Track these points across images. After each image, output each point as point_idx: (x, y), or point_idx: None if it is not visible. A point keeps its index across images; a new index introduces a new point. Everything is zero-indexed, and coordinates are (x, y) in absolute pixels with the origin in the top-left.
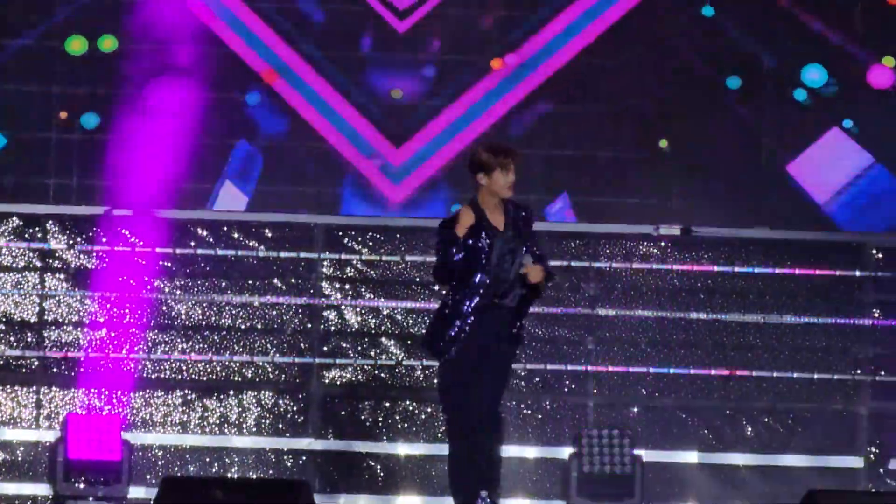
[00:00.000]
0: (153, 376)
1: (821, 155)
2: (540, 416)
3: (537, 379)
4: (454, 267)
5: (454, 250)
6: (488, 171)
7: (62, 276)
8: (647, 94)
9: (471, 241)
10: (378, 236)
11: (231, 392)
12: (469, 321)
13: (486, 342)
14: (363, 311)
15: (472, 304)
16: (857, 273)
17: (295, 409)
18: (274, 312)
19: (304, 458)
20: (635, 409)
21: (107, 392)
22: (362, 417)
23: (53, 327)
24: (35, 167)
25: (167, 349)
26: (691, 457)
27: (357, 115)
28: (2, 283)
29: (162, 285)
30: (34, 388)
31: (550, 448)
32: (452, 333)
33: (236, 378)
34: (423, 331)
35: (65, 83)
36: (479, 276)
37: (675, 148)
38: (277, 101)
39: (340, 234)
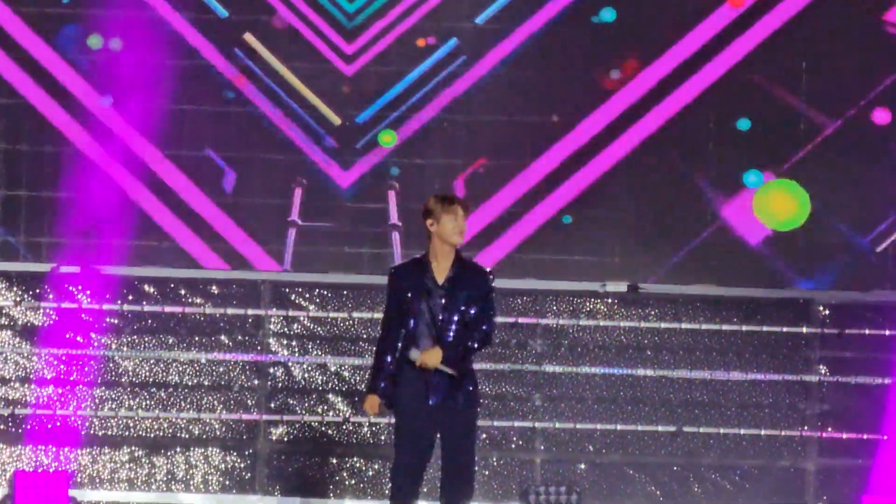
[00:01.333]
0: (100, 433)
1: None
2: (487, 473)
3: (485, 435)
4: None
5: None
6: (437, 217)
7: (9, 333)
8: None
9: (410, 295)
10: (325, 293)
11: (178, 449)
12: (417, 376)
13: (438, 399)
14: (310, 368)
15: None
16: (804, 329)
17: (242, 465)
18: (221, 369)
19: None
20: (583, 466)
21: (54, 449)
22: (310, 474)
23: (0, 384)
24: None
25: (114, 406)
26: None
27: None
28: None
29: (109, 342)
30: None
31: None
32: (405, 389)
33: (183, 435)
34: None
35: (10, 140)
36: (419, 329)
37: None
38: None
39: (287, 290)
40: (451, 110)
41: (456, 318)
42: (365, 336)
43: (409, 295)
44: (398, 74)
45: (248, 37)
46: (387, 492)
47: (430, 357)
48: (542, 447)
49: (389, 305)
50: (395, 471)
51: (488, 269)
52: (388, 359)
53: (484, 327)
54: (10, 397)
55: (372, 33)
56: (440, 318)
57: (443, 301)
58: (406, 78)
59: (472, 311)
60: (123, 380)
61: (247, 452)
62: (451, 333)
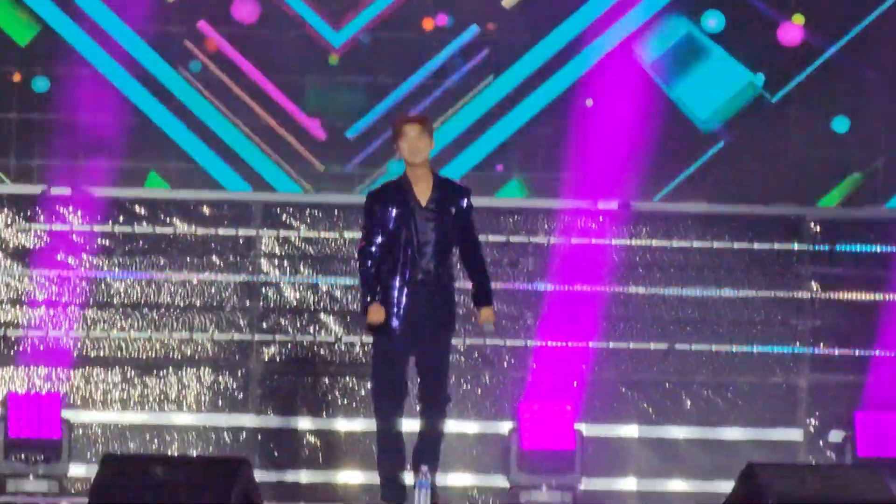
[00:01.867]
0: (92, 354)
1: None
2: (479, 392)
3: (476, 354)
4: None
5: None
6: (395, 139)
7: (0, 255)
8: None
9: (393, 216)
10: (316, 213)
11: (170, 369)
12: (399, 295)
13: (416, 318)
14: (302, 288)
15: (400, 279)
16: (795, 246)
17: (234, 385)
18: (213, 289)
19: (244, 434)
20: (575, 384)
21: (46, 370)
22: (302, 393)
23: None
24: None
25: (106, 327)
26: (631, 431)
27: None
28: None
29: (100, 263)
30: None
31: (490, 423)
32: (392, 310)
33: (176, 355)
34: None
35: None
36: (400, 250)
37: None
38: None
39: (279, 210)
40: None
41: (438, 238)
42: (356, 256)
43: (393, 216)
44: None
45: None
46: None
47: (491, 317)
48: (535, 365)
49: (371, 230)
50: (375, 389)
51: (466, 186)
52: (375, 275)
53: (477, 249)
54: (2, 319)
55: None
56: (423, 239)
57: (428, 223)
58: None
59: (455, 232)
60: (115, 301)
61: (239, 372)
62: (430, 255)
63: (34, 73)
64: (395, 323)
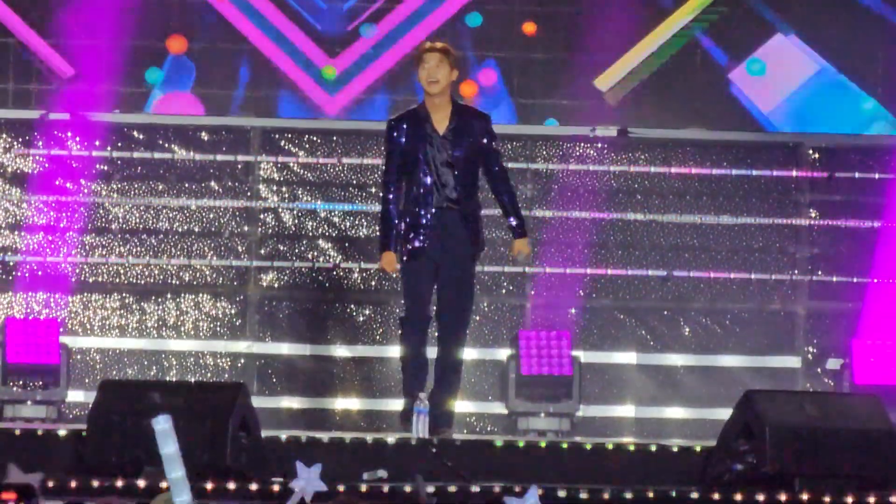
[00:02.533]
0: (91, 280)
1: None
2: (478, 318)
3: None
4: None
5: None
6: (415, 66)
7: None
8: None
9: (411, 145)
10: (315, 139)
11: (169, 295)
12: (423, 223)
13: (441, 245)
14: (300, 214)
15: (423, 207)
16: (794, 173)
17: (233, 311)
18: (211, 215)
19: (242, 360)
20: (573, 311)
21: (44, 296)
22: (300, 320)
23: None
24: None
25: (104, 253)
26: (629, 358)
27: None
28: None
29: (99, 189)
30: None
31: (488, 350)
32: (414, 236)
33: (174, 281)
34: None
35: None
36: (422, 179)
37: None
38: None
39: (277, 136)
40: None
41: (458, 167)
42: (355, 182)
43: (411, 145)
44: None
45: None
46: (377, 336)
47: (527, 248)
48: (533, 292)
49: (391, 158)
50: (403, 316)
51: (486, 113)
52: (396, 215)
53: (503, 179)
54: (0, 245)
55: None
56: (443, 168)
57: (446, 151)
58: None
59: (477, 158)
60: (113, 226)
61: (237, 299)
62: (452, 184)
63: None
64: (423, 252)
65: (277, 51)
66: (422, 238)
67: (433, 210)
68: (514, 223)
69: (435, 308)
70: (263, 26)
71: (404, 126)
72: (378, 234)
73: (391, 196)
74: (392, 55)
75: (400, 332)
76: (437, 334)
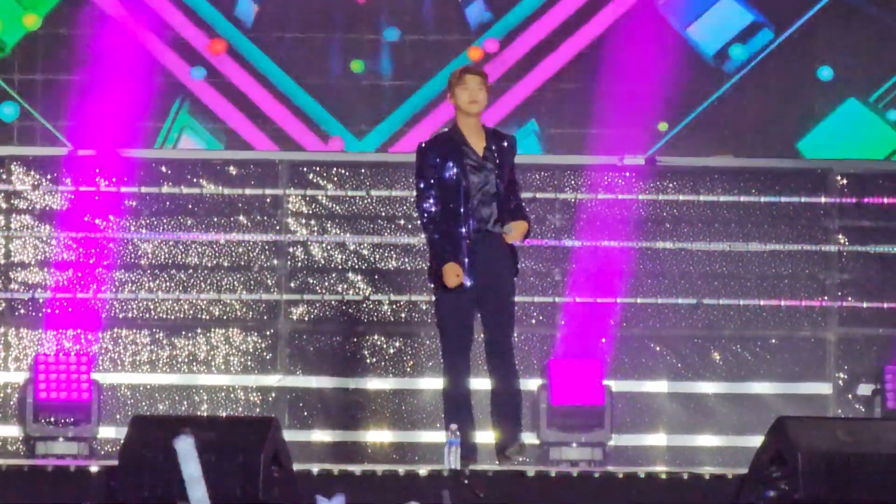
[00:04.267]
0: (121, 316)
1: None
2: None
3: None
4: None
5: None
6: (453, 90)
7: (28, 217)
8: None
9: (449, 166)
10: (343, 171)
11: (199, 330)
12: (463, 248)
13: (480, 270)
14: (329, 247)
15: (464, 233)
16: (822, 199)
17: (263, 345)
18: (240, 249)
19: (273, 394)
20: (603, 340)
21: (75, 333)
22: (331, 353)
23: (19, 268)
24: None
25: (134, 288)
26: (660, 386)
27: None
28: None
29: (128, 224)
30: (1, 329)
31: (521, 380)
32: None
33: (204, 316)
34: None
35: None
36: (459, 201)
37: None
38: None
39: (305, 169)
40: None
41: (495, 189)
42: (383, 214)
43: (448, 168)
44: None
45: None
46: (408, 369)
47: (517, 232)
48: (563, 322)
49: (426, 181)
50: (445, 350)
51: (513, 136)
52: (441, 228)
53: (518, 196)
54: (30, 281)
55: None
56: (481, 190)
57: (484, 173)
58: None
59: (507, 179)
60: (143, 262)
61: (268, 332)
62: (489, 205)
63: (58, 33)
64: (465, 279)
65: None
66: (467, 265)
67: (472, 233)
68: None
69: (484, 338)
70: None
71: (439, 149)
72: (431, 257)
73: (433, 210)
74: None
75: (443, 364)
76: (489, 365)
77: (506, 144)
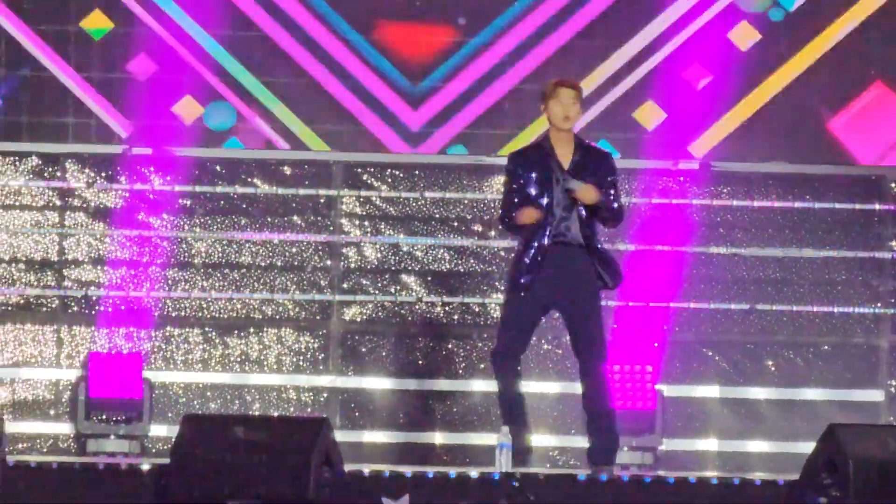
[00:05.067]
0: (173, 314)
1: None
2: (560, 352)
3: (557, 315)
4: (511, 230)
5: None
6: (546, 100)
7: (82, 215)
8: None
9: (535, 177)
10: (397, 173)
11: (251, 330)
12: (537, 258)
13: (560, 282)
14: (383, 248)
15: (539, 241)
16: (877, 206)
17: (316, 346)
18: (294, 250)
19: (324, 395)
20: (656, 344)
21: (127, 330)
22: (382, 354)
23: (73, 266)
24: (54, 106)
25: (187, 287)
26: (712, 391)
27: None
28: (21, 223)
29: (181, 223)
30: (55, 326)
31: (571, 384)
32: (527, 270)
33: (256, 316)
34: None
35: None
36: (544, 215)
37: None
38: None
39: (359, 170)
40: None
41: (579, 201)
42: (437, 216)
43: (534, 179)
44: None
45: None
46: (460, 371)
47: (586, 190)
48: (615, 326)
49: (511, 191)
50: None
51: (608, 152)
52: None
53: (619, 203)
54: (84, 279)
55: None
56: (566, 203)
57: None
58: None
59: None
60: (196, 261)
61: (320, 333)
62: (574, 219)
63: (116, 32)
64: (530, 284)
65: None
66: (534, 273)
67: (550, 245)
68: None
69: (573, 348)
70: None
71: (525, 158)
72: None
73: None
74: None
75: (492, 366)
76: (581, 377)
77: (598, 159)
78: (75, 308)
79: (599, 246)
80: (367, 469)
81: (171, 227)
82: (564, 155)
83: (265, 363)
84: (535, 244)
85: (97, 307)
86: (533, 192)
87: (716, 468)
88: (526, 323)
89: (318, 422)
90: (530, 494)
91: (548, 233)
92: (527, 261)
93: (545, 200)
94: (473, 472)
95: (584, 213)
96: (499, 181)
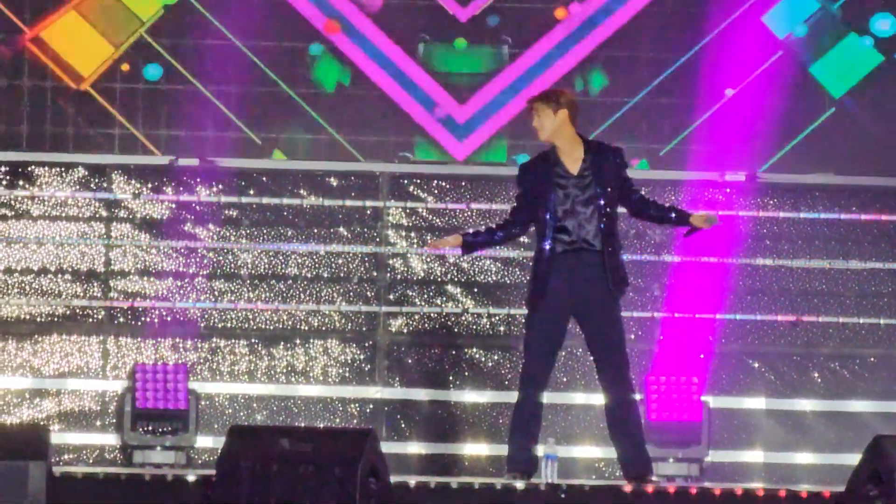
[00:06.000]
0: (219, 325)
1: None
2: None
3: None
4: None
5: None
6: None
7: (128, 226)
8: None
9: (539, 188)
10: (443, 184)
11: (298, 341)
12: (548, 267)
13: (577, 289)
14: (429, 259)
15: (550, 250)
16: None
17: (362, 357)
18: (340, 261)
19: (371, 406)
20: (702, 356)
21: (173, 341)
22: (429, 365)
23: (119, 277)
24: (101, 117)
25: (233, 298)
26: (758, 403)
27: (420, 71)
28: (68, 233)
29: (227, 234)
30: (101, 337)
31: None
32: (536, 280)
33: (303, 327)
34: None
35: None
36: (549, 220)
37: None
38: (339, 55)
39: (406, 182)
40: None
41: (596, 205)
42: (483, 228)
43: (540, 188)
44: None
45: None
46: (506, 382)
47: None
48: (661, 337)
49: (517, 201)
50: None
51: (617, 147)
52: (495, 228)
53: (645, 199)
54: (130, 290)
55: None
56: (579, 208)
57: (582, 190)
58: None
59: (615, 193)
60: (242, 272)
61: (366, 344)
62: (588, 223)
63: (160, 42)
64: (548, 297)
65: (406, 97)
66: (548, 284)
67: (564, 253)
68: (674, 215)
69: (592, 357)
70: (392, 72)
71: (533, 169)
72: None
73: (506, 220)
74: (520, 100)
75: (520, 384)
76: (601, 384)
77: (610, 157)
78: (121, 319)
79: (611, 249)
80: (413, 480)
81: (217, 238)
82: (573, 161)
83: (311, 374)
84: (551, 253)
85: (143, 318)
86: (542, 200)
87: (762, 480)
88: (548, 344)
89: (364, 433)
90: None
91: (566, 240)
92: (542, 271)
93: (558, 207)
94: (519, 484)
95: (597, 217)
96: None
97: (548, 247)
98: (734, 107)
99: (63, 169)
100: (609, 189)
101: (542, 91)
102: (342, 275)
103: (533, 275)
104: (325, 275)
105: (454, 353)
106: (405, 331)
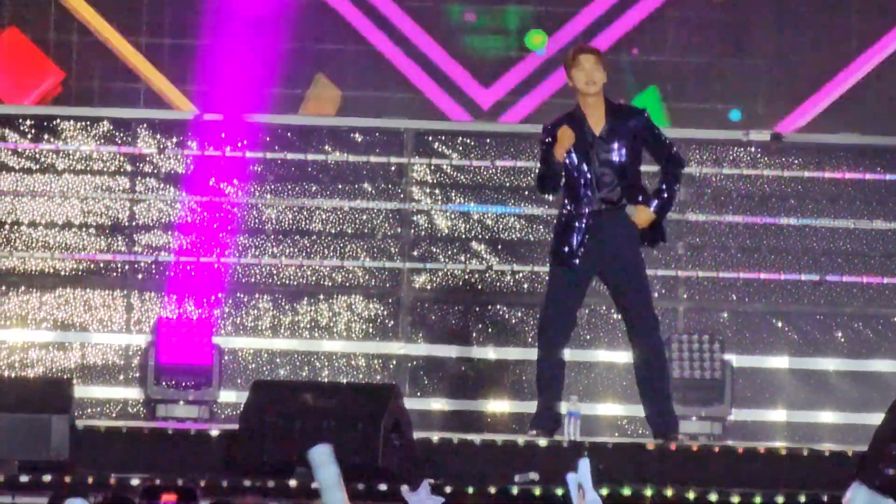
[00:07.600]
0: (243, 281)
1: None
2: None
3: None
4: (546, 184)
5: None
6: (569, 72)
7: (153, 180)
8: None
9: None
10: (468, 141)
11: (321, 297)
12: (573, 225)
13: (601, 249)
14: (453, 216)
15: (576, 207)
16: None
17: (385, 313)
18: (364, 217)
19: (394, 362)
20: (725, 315)
21: (197, 296)
22: (452, 322)
23: (143, 231)
24: (125, 72)
25: (257, 254)
26: (781, 362)
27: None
28: (92, 187)
29: (252, 190)
30: (125, 292)
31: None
32: (561, 237)
33: (326, 283)
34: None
35: None
36: (578, 181)
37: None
38: None
39: (430, 138)
40: None
41: (618, 166)
42: (507, 185)
43: (569, 148)
44: None
45: None
46: (529, 339)
47: (642, 217)
48: (685, 296)
49: (540, 160)
50: (543, 317)
51: (641, 108)
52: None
53: (670, 166)
54: (154, 245)
55: None
56: (602, 169)
57: (605, 151)
58: None
59: (639, 154)
60: (266, 227)
61: (390, 300)
62: (612, 183)
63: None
64: (574, 256)
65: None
66: (576, 242)
67: (590, 211)
68: (653, 196)
69: (620, 315)
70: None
71: (554, 129)
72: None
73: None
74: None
75: (539, 338)
76: (630, 339)
77: (631, 119)
78: (145, 273)
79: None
80: (435, 436)
81: (241, 193)
82: (596, 122)
83: (335, 330)
84: (575, 211)
85: (167, 273)
86: (567, 161)
87: (784, 439)
88: (571, 298)
89: (388, 389)
90: (599, 464)
91: (590, 201)
92: (567, 230)
93: (582, 167)
94: (542, 441)
95: (620, 177)
96: None
97: (573, 205)
98: (755, 65)
99: (88, 123)
100: (629, 150)
101: (594, 46)
102: (366, 231)
103: (558, 231)
104: (350, 231)
105: (477, 309)
106: (429, 287)
